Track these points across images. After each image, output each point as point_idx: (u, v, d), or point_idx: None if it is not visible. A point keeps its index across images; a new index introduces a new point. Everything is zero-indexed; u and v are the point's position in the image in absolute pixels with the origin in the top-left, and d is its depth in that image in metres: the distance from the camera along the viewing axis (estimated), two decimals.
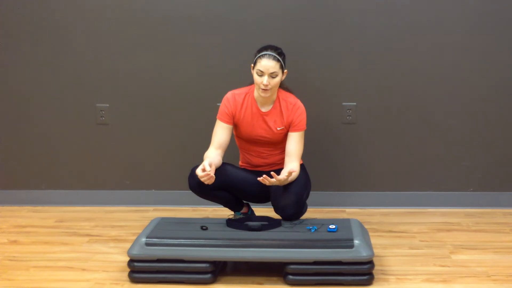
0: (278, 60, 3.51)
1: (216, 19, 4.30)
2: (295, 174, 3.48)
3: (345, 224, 3.33)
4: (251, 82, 3.63)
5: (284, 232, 3.25)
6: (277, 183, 3.40)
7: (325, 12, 4.26)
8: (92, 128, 4.46)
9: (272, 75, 3.50)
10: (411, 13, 4.23)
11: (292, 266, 3.08)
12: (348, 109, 4.33)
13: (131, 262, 3.14)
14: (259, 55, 3.54)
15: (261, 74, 3.50)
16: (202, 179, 3.32)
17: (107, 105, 4.44)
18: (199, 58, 4.35)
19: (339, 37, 4.28)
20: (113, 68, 4.40)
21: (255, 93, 3.61)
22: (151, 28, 4.34)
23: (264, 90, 3.50)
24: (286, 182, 3.44)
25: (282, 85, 3.67)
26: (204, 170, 3.32)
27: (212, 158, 3.48)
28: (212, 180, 3.34)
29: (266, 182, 3.36)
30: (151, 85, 4.40)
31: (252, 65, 3.57)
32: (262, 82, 3.48)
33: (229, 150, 3.71)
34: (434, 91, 4.29)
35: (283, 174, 3.39)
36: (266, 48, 3.56)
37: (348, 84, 4.32)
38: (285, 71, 3.59)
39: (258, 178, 3.36)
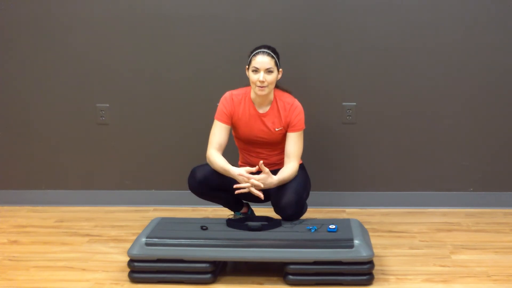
0: (273, 57, 3.52)
1: (216, 19, 4.30)
2: (284, 175, 3.49)
3: (345, 224, 3.33)
4: (249, 83, 3.62)
5: (284, 232, 3.25)
6: (258, 184, 3.41)
7: (325, 12, 4.26)
8: (92, 128, 4.46)
9: (268, 71, 3.49)
10: (411, 13, 4.23)
11: (292, 266, 3.07)
12: (348, 109, 4.33)
13: (131, 262, 3.14)
14: (253, 53, 3.55)
15: (256, 70, 3.50)
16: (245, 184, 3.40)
17: (107, 105, 4.44)
18: (199, 58, 4.35)
19: (339, 37, 4.28)
20: (113, 68, 4.40)
21: (252, 94, 3.61)
22: (151, 28, 4.34)
23: (261, 87, 3.50)
24: (274, 182, 3.44)
25: (279, 86, 3.67)
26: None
27: (230, 166, 3.48)
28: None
29: (242, 191, 3.42)
30: (151, 85, 4.40)
31: (247, 66, 3.57)
32: (258, 78, 3.48)
33: (229, 150, 3.71)
34: (434, 91, 4.29)
35: (258, 177, 3.42)
36: (259, 47, 3.57)
37: (348, 84, 4.32)
38: (280, 70, 3.59)
39: (234, 186, 3.42)
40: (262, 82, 3.48)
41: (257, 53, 3.53)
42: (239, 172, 3.41)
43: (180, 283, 3.12)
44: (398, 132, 4.34)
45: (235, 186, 3.41)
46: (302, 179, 3.58)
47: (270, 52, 3.53)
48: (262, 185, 3.41)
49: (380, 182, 4.40)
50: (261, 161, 3.40)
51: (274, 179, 3.45)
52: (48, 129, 4.49)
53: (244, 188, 3.40)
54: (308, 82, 4.30)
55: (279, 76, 3.59)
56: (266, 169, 3.41)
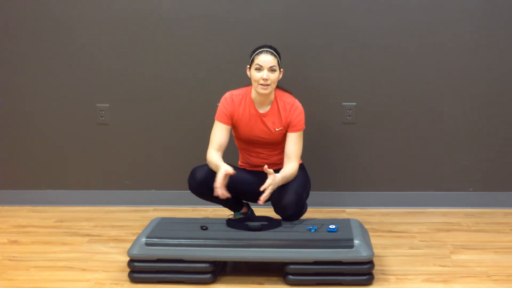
0: (276, 56, 3.53)
1: (216, 19, 4.30)
2: (286, 174, 3.48)
3: (345, 224, 3.33)
4: (249, 83, 3.63)
5: (284, 232, 3.25)
6: (273, 187, 3.39)
7: (325, 12, 4.26)
8: (92, 128, 4.46)
9: (271, 69, 3.50)
10: (411, 13, 4.23)
11: (292, 266, 3.07)
12: (348, 109, 4.33)
13: (131, 262, 3.14)
14: (256, 52, 3.55)
15: (259, 68, 3.50)
16: (219, 188, 3.35)
17: (107, 105, 4.44)
18: (199, 58, 4.35)
19: (339, 37, 4.28)
20: (113, 68, 4.41)
21: (253, 94, 3.61)
22: (151, 28, 4.35)
23: (264, 86, 3.49)
24: (278, 180, 3.42)
25: (280, 86, 3.67)
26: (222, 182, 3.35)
27: (222, 163, 3.45)
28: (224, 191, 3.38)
29: (264, 200, 3.38)
30: (151, 85, 4.40)
31: (248, 66, 3.57)
32: (261, 76, 3.48)
33: (229, 150, 3.71)
34: (434, 91, 4.29)
35: (267, 182, 3.38)
36: (262, 46, 3.58)
37: (348, 84, 4.32)
38: (282, 70, 3.59)
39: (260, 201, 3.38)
40: (266, 80, 3.48)
41: (261, 52, 3.53)
42: (219, 177, 3.36)
43: (180, 283, 3.12)
44: (398, 132, 4.35)
45: (262, 188, 3.38)
46: (302, 179, 3.59)
47: (273, 51, 3.54)
48: (272, 189, 3.40)
49: (380, 182, 4.40)
50: (266, 166, 3.38)
51: (279, 177, 3.44)
52: (48, 129, 4.49)
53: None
54: (308, 82, 4.30)
55: (280, 76, 3.59)
56: (271, 170, 3.39)
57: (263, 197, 3.37)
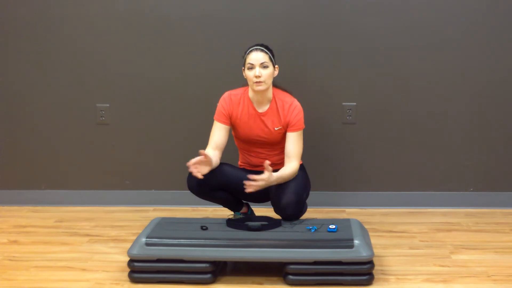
0: (266, 53, 3.55)
1: (215, 19, 4.30)
2: (283, 173, 3.47)
3: (345, 224, 3.33)
4: (247, 83, 3.63)
5: (284, 232, 3.25)
6: (265, 183, 3.38)
7: (325, 12, 4.26)
8: (92, 128, 4.46)
9: (263, 65, 3.51)
10: (411, 13, 4.24)
11: (292, 266, 3.07)
12: (348, 109, 4.33)
13: (131, 262, 3.14)
14: (247, 52, 3.58)
15: (251, 66, 3.52)
16: (191, 164, 3.31)
17: (107, 105, 4.44)
18: (198, 58, 4.35)
19: (339, 37, 4.28)
20: (113, 68, 4.41)
21: (250, 94, 3.61)
22: (151, 28, 4.35)
23: (258, 82, 3.50)
24: (273, 178, 3.41)
25: (278, 85, 3.67)
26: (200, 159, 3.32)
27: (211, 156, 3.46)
28: (202, 170, 3.36)
29: (250, 189, 3.34)
30: (151, 85, 4.40)
31: (243, 67, 3.58)
32: (254, 74, 3.49)
33: (229, 150, 3.71)
34: (434, 91, 4.29)
35: (260, 176, 3.35)
36: (252, 46, 3.60)
37: (348, 84, 4.33)
38: (277, 66, 3.60)
39: (246, 190, 3.35)
40: (258, 76, 3.49)
41: (251, 51, 3.56)
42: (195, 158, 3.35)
43: (180, 283, 3.12)
44: (398, 132, 4.35)
45: (245, 182, 3.37)
46: (302, 179, 3.59)
47: (264, 49, 3.56)
48: (263, 185, 3.39)
49: (380, 182, 4.40)
50: (268, 162, 3.36)
51: (274, 177, 3.43)
52: (48, 129, 4.49)
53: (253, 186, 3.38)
54: (308, 82, 4.30)
55: (276, 72, 3.60)
56: (270, 168, 3.39)
57: (248, 183, 3.33)
